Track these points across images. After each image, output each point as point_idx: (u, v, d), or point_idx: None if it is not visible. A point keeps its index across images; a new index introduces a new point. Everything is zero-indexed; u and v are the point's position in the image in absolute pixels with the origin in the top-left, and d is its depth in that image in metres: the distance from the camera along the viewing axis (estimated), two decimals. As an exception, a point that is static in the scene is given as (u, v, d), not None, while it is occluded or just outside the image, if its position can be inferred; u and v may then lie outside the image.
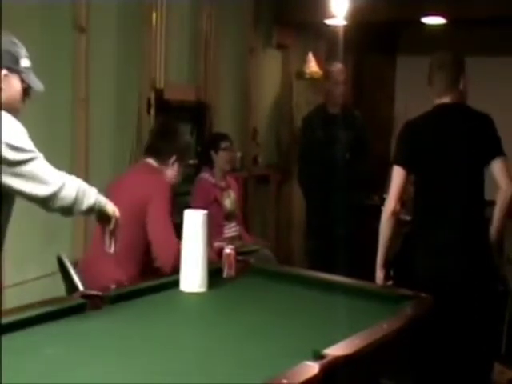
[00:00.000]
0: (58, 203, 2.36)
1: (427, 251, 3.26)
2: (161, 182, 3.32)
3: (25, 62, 2.58)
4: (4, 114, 2.38)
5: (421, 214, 3.35)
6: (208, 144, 4.80)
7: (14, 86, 2.52)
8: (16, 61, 2.54)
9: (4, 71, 2.49)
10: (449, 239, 3.22)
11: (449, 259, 3.20)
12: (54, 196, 2.34)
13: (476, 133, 3.23)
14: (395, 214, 3.27)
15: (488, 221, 3.24)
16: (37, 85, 2.62)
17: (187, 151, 3.61)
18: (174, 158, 3.43)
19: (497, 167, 3.16)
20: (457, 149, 3.23)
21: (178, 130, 3.60)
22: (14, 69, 2.52)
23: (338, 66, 5.29)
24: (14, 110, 2.47)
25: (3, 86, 2.48)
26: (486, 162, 3.18)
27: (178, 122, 3.69)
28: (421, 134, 3.30)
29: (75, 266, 3.14)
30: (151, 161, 3.44)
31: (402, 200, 3.29)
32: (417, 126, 3.34)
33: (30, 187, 2.31)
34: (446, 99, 3.27)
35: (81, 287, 2.89)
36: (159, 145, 3.47)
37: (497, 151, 3.18)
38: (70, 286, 2.95)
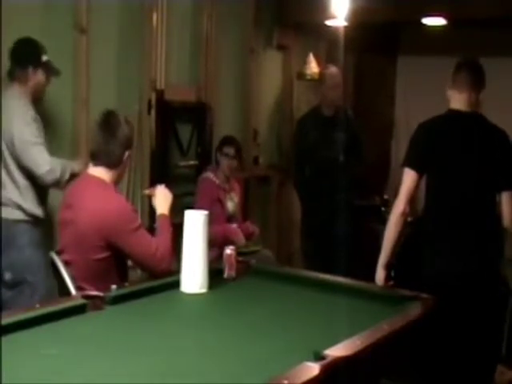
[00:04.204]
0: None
1: (437, 252, 3.27)
2: (118, 209, 2.95)
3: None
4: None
5: (431, 215, 3.34)
6: (218, 146, 4.81)
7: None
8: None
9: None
10: (459, 241, 3.22)
11: (459, 260, 3.20)
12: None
13: (490, 142, 3.25)
14: (404, 216, 3.26)
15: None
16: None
17: (132, 136, 3.16)
18: (127, 154, 3.04)
19: (506, 200, 3.22)
20: (470, 154, 3.24)
21: (119, 120, 3.05)
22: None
23: (332, 70, 5.30)
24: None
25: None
26: (498, 186, 3.22)
27: (118, 116, 3.07)
28: (434, 137, 3.29)
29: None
30: (98, 171, 3.01)
31: (411, 202, 3.28)
32: (430, 130, 3.33)
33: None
34: (464, 103, 3.27)
35: (72, 288, 2.87)
36: (106, 147, 3.00)
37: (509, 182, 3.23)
38: (62, 286, 2.94)
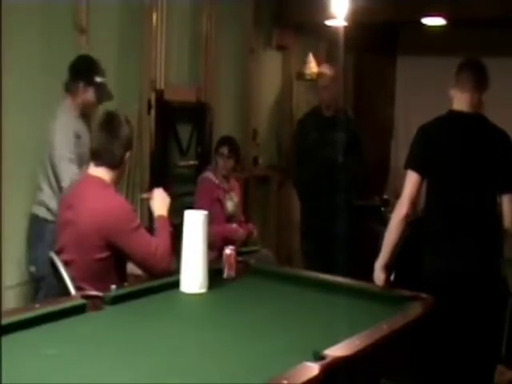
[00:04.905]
0: None
1: (437, 252, 3.27)
2: (118, 209, 2.95)
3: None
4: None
5: (431, 216, 3.34)
6: (215, 146, 4.84)
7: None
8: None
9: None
10: (459, 241, 3.22)
11: (459, 260, 3.20)
12: None
13: (491, 144, 3.24)
14: (406, 219, 3.25)
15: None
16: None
17: (132, 137, 3.15)
18: (128, 154, 3.04)
19: (507, 202, 3.21)
20: (471, 155, 3.23)
21: (121, 120, 3.05)
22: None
23: (323, 69, 5.31)
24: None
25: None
26: (498, 188, 3.22)
27: (119, 116, 3.07)
28: (435, 139, 3.29)
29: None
30: (99, 171, 3.01)
31: (414, 204, 3.27)
32: (432, 131, 3.33)
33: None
34: (466, 104, 3.27)
35: (72, 289, 2.87)
36: (106, 147, 3.00)
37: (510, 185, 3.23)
38: (62, 286, 2.94)
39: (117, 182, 3.11)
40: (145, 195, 3.37)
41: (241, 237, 4.64)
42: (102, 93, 3.84)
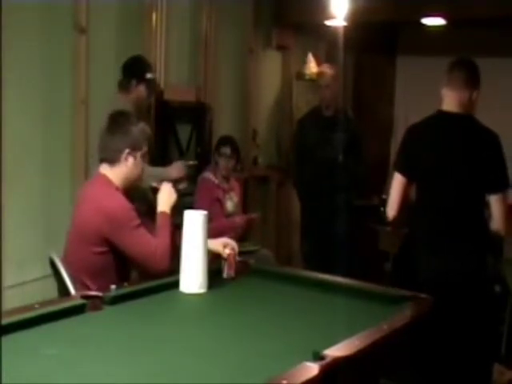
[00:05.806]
0: None
1: (429, 253, 3.27)
2: (117, 208, 2.92)
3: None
4: None
5: (422, 216, 3.34)
6: (215, 146, 4.83)
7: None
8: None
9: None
10: (450, 241, 3.22)
11: (450, 261, 3.20)
12: None
13: (478, 145, 3.23)
14: (396, 219, 3.26)
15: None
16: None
17: (142, 138, 3.05)
18: (126, 151, 2.99)
19: (495, 202, 3.20)
20: (456, 156, 3.23)
21: (129, 119, 3.07)
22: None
23: (324, 69, 5.31)
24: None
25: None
26: (485, 189, 3.21)
27: (131, 114, 3.18)
28: (422, 140, 3.29)
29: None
30: (105, 169, 3.02)
31: (403, 206, 3.27)
32: (418, 133, 3.33)
33: None
34: (455, 103, 3.25)
35: (72, 289, 2.87)
36: (107, 143, 3.03)
37: (500, 184, 3.21)
38: (62, 287, 2.94)
39: (125, 182, 3.03)
40: (154, 184, 3.33)
41: (239, 225, 4.62)
42: (152, 88, 4.18)
